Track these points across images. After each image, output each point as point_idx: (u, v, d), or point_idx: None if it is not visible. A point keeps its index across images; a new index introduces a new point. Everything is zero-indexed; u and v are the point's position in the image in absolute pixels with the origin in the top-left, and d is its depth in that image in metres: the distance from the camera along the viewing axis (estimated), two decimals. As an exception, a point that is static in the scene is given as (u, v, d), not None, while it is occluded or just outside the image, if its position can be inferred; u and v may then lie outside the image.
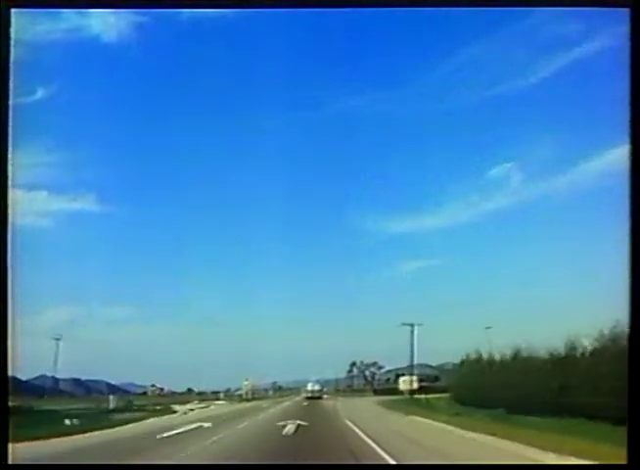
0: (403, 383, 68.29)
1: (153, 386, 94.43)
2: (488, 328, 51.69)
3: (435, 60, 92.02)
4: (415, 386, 63.92)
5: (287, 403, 48.89)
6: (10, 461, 6.10)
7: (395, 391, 67.63)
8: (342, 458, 12.42)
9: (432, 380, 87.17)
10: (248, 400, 67.31)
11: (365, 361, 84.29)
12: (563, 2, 4.76)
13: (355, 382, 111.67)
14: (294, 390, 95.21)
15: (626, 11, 4.10)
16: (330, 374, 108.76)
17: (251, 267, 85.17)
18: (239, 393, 68.21)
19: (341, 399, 60.35)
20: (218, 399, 64.38)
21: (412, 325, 57.65)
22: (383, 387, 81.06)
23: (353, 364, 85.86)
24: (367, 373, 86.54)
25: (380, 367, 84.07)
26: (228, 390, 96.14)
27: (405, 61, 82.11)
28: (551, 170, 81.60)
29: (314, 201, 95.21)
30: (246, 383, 75.24)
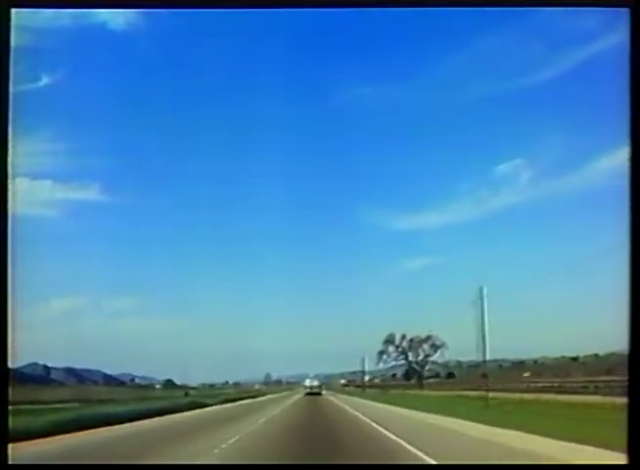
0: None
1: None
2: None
3: (445, 55, 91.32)
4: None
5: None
6: (10, 461, 6.44)
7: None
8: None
9: (445, 376, 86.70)
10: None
11: (409, 335, 55.74)
12: (562, 2, 5.02)
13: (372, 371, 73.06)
14: (294, 384, 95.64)
15: (626, 11, 4.42)
16: (331, 369, 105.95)
17: (254, 263, 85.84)
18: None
19: None
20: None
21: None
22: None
23: (389, 341, 56.59)
24: (411, 356, 56.95)
25: (436, 346, 55.88)
26: (226, 383, 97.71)
27: (414, 56, 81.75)
28: (561, 168, 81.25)
29: (319, 196, 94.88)
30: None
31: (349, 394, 61.71)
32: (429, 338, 56.66)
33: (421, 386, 54.88)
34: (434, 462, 11.96)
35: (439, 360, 69.61)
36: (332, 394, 59.24)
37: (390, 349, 58.56)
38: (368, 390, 66.08)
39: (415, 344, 57.15)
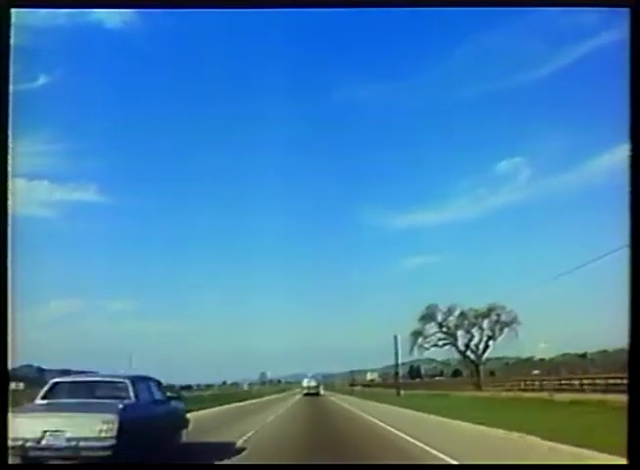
0: None
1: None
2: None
3: (444, 53, 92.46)
4: None
5: None
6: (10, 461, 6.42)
7: None
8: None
9: (451, 375, 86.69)
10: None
11: (456, 309, 34.57)
12: (562, 2, 5.09)
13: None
14: (293, 384, 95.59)
15: (626, 11, 4.54)
16: (331, 369, 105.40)
17: (251, 262, 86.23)
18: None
19: None
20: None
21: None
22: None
23: (428, 317, 35.76)
24: (461, 338, 34.81)
25: (503, 323, 34.15)
26: (224, 383, 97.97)
27: (413, 55, 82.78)
28: (560, 166, 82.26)
29: (318, 195, 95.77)
30: None
31: (378, 398, 36.81)
32: (491, 310, 35.22)
33: (478, 385, 36.54)
34: None
35: (439, 359, 46.24)
36: (334, 397, 46.80)
37: (430, 328, 37.72)
38: (403, 391, 44.85)
39: (469, 320, 36.10)
